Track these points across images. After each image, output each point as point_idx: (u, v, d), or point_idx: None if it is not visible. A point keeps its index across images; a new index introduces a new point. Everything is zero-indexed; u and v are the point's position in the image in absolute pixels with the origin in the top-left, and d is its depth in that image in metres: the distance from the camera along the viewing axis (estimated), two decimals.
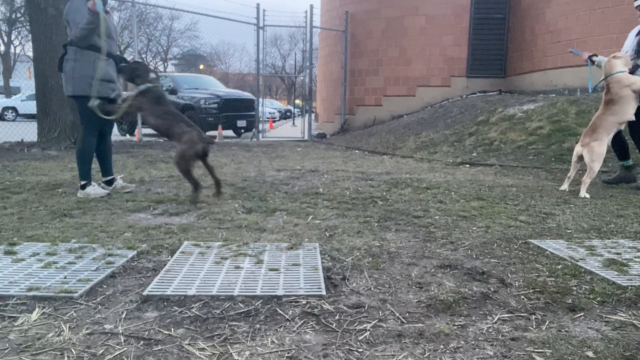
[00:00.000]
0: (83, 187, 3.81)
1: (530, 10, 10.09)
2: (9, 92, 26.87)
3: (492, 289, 2.00)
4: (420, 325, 1.67)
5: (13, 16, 30.70)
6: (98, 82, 3.67)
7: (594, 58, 4.65)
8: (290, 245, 2.55)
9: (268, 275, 2.10)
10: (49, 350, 1.46)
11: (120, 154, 6.91)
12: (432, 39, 11.23)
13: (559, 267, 2.28)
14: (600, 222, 3.21)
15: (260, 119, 11.69)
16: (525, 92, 9.83)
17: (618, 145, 4.48)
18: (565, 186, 4.34)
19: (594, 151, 4.06)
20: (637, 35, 4.41)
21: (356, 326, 1.66)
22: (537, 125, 7.23)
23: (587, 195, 4.04)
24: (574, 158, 4.28)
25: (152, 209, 3.43)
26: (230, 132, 12.61)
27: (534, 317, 1.74)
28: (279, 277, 2.08)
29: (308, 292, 1.93)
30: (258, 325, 1.65)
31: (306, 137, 11.70)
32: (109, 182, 4.07)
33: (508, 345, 1.54)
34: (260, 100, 11.58)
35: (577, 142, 4.35)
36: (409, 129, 9.58)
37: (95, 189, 3.84)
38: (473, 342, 1.55)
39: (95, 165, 3.99)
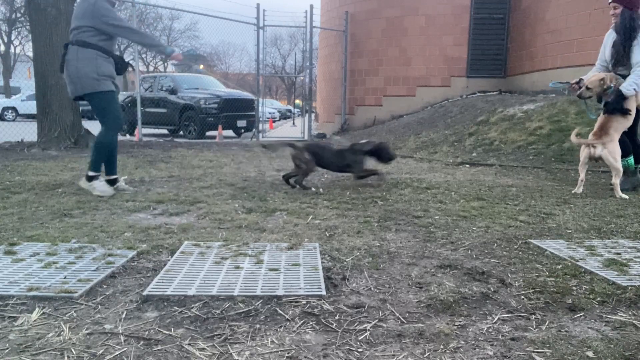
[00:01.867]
0: (90, 178, 3.83)
1: (530, 10, 10.09)
2: (9, 92, 26.88)
3: (492, 289, 2.00)
4: (420, 325, 1.67)
5: (13, 16, 30.71)
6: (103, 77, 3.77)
7: (582, 84, 4.62)
8: (290, 245, 2.55)
9: (268, 275, 2.10)
10: (49, 350, 1.46)
11: (120, 154, 6.87)
12: (432, 39, 11.23)
13: (559, 267, 2.28)
14: (600, 222, 3.21)
15: (260, 119, 11.69)
16: (525, 92, 9.82)
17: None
18: (580, 189, 4.29)
19: (615, 152, 4.09)
20: (612, 47, 4.38)
21: (356, 326, 1.66)
22: (537, 125, 7.23)
23: (625, 196, 4.04)
24: (584, 160, 4.24)
25: (152, 209, 3.43)
26: (230, 132, 12.61)
27: (534, 317, 1.74)
28: (279, 277, 2.08)
29: (308, 292, 1.93)
30: (258, 325, 1.65)
31: (306, 137, 11.70)
32: (112, 182, 4.07)
33: (508, 345, 1.54)
34: (260, 100, 11.58)
35: (584, 145, 4.31)
36: (409, 129, 9.58)
37: (101, 185, 3.87)
38: (473, 342, 1.55)
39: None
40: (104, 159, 3.89)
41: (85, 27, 3.70)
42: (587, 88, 4.28)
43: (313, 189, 4.29)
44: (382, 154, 4.60)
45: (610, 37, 4.42)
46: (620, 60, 4.31)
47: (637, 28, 4.12)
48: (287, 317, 1.72)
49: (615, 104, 4.16)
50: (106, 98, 3.81)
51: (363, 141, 4.69)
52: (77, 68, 3.70)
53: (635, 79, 4.08)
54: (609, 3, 4.32)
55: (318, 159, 4.42)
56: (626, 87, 4.09)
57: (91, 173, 3.85)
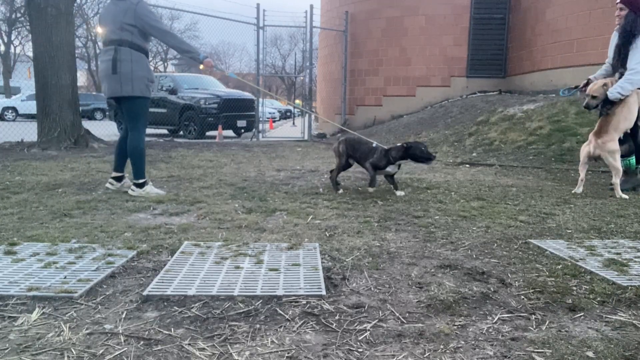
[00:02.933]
0: (141, 185, 3.91)
1: (530, 10, 10.09)
2: (9, 92, 26.87)
3: (492, 289, 2.00)
4: (420, 325, 1.67)
5: (13, 16, 30.71)
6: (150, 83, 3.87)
7: (587, 89, 4.59)
8: (290, 245, 2.55)
9: (268, 275, 2.10)
10: (49, 350, 1.46)
11: None
12: (432, 39, 11.23)
13: (559, 267, 2.28)
14: (600, 222, 3.21)
15: (260, 119, 11.69)
16: (525, 92, 9.82)
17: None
18: (580, 189, 4.27)
19: (614, 151, 4.07)
20: (614, 48, 4.36)
21: (356, 326, 1.66)
22: (537, 125, 7.23)
23: (625, 196, 4.04)
24: (584, 159, 4.22)
25: (152, 209, 3.43)
26: (230, 132, 12.61)
27: (534, 317, 1.74)
28: (279, 277, 2.08)
29: (308, 292, 1.93)
30: (258, 325, 1.65)
31: (306, 137, 11.69)
32: (119, 179, 4.08)
33: (508, 345, 1.54)
34: (260, 100, 11.58)
35: (586, 144, 4.29)
36: (409, 129, 9.58)
37: (153, 188, 3.97)
38: (473, 342, 1.55)
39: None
40: (143, 162, 3.93)
41: (129, 26, 3.69)
42: (593, 97, 4.25)
43: (340, 191, 4.20)
44: (416, 153, 4.05)
45: (614, 38, 4.40)
46: (616, 65, 4.31)
47: (638, 33, 4.11)
48: (287, 317, 1.72)
49: (602, 108, 4.17)
50: (146, 104, 3.89)
51: (398, 144, 4.16)
52: (132, 70, 3.71)
53: (622, 84, 4.07)
54: (617, 3, 4.28)
55: (353, 152, 4.26)
56: (612, 91, 4.10)
57: (140, 181, 3.91)
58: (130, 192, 3.91)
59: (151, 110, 11.54)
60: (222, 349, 1.49)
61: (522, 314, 1.77)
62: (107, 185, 4.05)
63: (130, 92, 3.74)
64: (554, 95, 8.62)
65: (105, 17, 3.85)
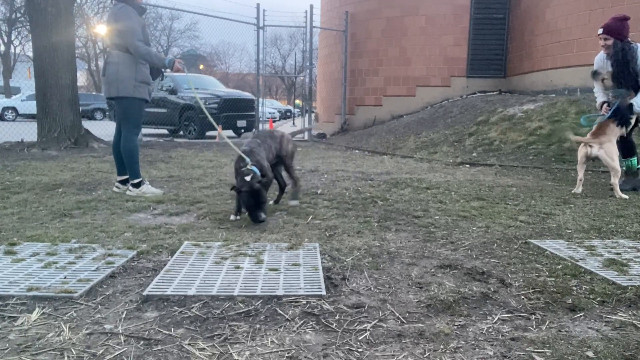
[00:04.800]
0: (137, 185, 3.93)
1: (530, 10, 10.08)
2: (9, 92, 26.86)
3: (492, 289, 2.00)
4: (420, 325, 1.67)
5: (13, 16, 30.70)
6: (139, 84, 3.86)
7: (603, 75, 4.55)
8: (290, 245, 2.55)
9: (268, 275, 2.10)
10: (49, 350, 1.46)
11: None
12: (432, 39, 11.22)
13: (559, 267, 2.28)
14: (600, 222, 3.21)
15: (260, 119, 11.68)
16: (525, 92, 9.82)
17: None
18: (579, 189, 4.27)
19: (612, 152, 4.07)
20: (612, 66, 4.29)
21: (356, 326, 1.66)
22: (537, 125, 7.23)
23: (625, 196, 4.03)
24: (582, 159, 4.21)
25: (152, 209, 3.43)
26: (230, 132, 12.61)
27: (534, 317, 1.74)
28: (279, 277, 2.08)
29: (308, 292, 1.93)
30: (258, 325, 1.65)
31: (306, 137, 11.69)
32: (124, 182, 4.09)
33: (508, 345, 1.54)
34: (260, 100, 11.57)
35: (581, 145, 4.29)
36: (409, 129, 9.58)
37: (150, 187, 3.99)
38: (473, 342, 1.55)
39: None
40: (137, 162, 3.96)
41: (115, 29, 3.79)
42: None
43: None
44: None
45: (607, 63, 4.33)
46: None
47: (632, 59, 4.10)
48: (287, 317, 1.72)
49: (623, 116, 4.19)
50: (136, 105, 3.90)
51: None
52: (117, 71, 3.79)
53: None
54: (599, 35, 4.24)
55: None
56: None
57: (135, 180, 3.94)
58: (128, 192, 3.94)
59: (151, 110, 11.63)
60: (222, 349, 1.49)
61: (522, 314, 1.77)
62: (114, 189, 4.08)
63: (116, 93, 3.83)
64: (554, 95, 8.62)
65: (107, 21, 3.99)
